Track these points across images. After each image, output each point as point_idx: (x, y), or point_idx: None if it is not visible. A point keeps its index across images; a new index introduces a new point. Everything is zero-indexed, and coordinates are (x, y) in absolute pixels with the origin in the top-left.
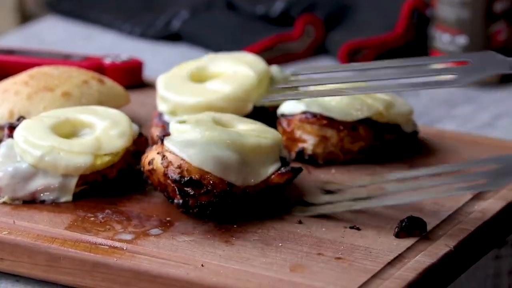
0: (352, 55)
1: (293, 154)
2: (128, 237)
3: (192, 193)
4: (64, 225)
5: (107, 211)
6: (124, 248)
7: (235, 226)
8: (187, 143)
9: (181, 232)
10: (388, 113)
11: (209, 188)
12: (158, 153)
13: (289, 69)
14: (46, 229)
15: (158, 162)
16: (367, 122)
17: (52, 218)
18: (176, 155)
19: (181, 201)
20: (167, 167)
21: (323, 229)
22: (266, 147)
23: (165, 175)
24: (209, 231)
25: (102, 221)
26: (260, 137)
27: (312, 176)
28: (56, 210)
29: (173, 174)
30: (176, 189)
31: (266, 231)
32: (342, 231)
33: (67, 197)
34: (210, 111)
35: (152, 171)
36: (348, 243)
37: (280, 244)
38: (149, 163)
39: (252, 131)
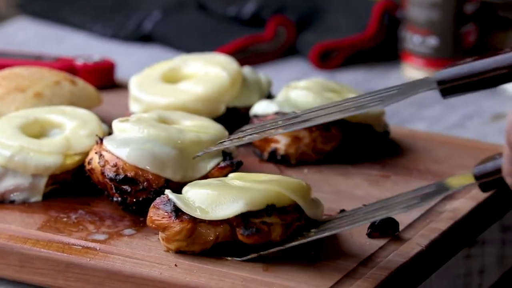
0: (323, 57)
1: (266, 155)
2: (101, 237)
3: (129, 190)
4: (37, 225)
5: (80, 211)
6: (98, 249)
7: None
8: (124, 141)
9: (154, 232)
10: (360, 114)
11: (145, 185)
12: (96, 152)
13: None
14: (19, 230)
15: (95, 161)
16: (339, 122)
17: (25, 218)
18: (112, 154)
19: (119, 198)
20: (103, 166)
21: None
22: (207, 142)
23: (103, 174)
24: None
25: (75, 221)
26: (200, 132)
27: None
28: (29, 211)
29: (109, 172)
30: (113, 187)
31: None
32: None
33: (37, 197)
34: (182, 111)
35: (91, 170)
36: (321, 243)
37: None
38: (88, 162)
39: (194, 127)
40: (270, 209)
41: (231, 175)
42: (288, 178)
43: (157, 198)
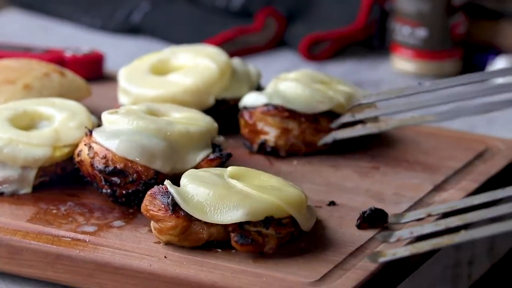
0: (313, 48)
1: (255, 146)
2: (91, 229)
3: (118, 182)
4: (26, 217)
5: (69, 203)
6: (87, 240)
7: None
8: (114, 133)
9: (143, 224)
10: (349, 105)
11: (134, 176)
12: (85, 144)
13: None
14: (8, 222)
15: (85, 153)
16: (328, 114)
17: (14, 210)
18: (102, 146)
19: (109, 190)
20: (93, 157)
21: None
22: (196, 134)
23: (92, 165)
24: None
25: (65, 213)
26: (189, 124)
27: (274, 168)
28: (18, 203)
29: (99, 164)
30: (103, 179)
31: None
32: None
33: (27, 189)
34: (171, 103)
35: (80, 162)
36: (311, 234)
37: None
38: (78, 154)
39: (183, 119)
40: (268, 221)
41: (230, 169)
42: (288, 187)
43: (155, 187)
